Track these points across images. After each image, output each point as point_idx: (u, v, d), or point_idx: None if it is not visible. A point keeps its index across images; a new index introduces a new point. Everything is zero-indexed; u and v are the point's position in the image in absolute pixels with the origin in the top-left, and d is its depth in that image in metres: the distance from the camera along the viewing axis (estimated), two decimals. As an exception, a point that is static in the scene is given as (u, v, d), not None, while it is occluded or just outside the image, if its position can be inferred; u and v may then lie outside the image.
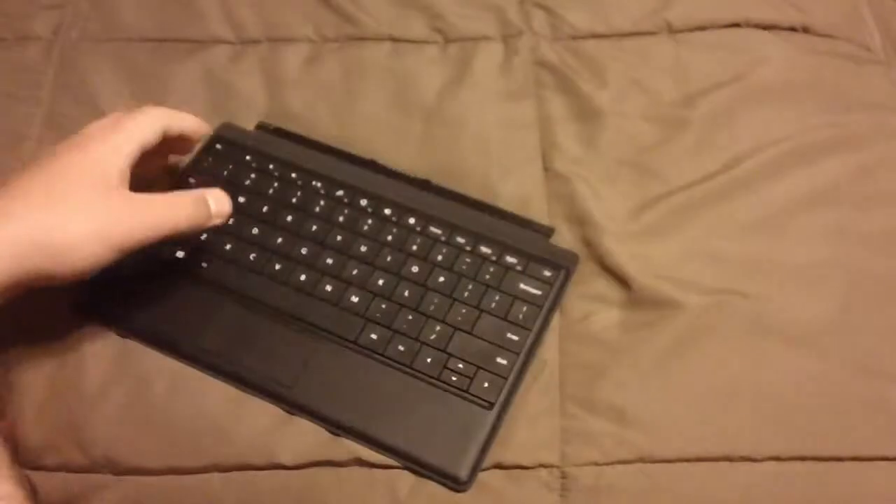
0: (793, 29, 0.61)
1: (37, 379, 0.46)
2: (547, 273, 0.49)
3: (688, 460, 0.44)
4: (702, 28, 0.60)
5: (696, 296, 0.49)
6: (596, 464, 0.44)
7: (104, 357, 0.47)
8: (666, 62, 0.59)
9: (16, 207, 0.39)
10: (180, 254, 0.50)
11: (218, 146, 0.55)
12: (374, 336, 0.47)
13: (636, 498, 0.43)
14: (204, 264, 0.50)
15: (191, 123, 0.48)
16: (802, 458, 0.44)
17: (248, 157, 0.54)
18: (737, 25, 0.61)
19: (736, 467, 0.44)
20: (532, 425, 0.45)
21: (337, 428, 0.45)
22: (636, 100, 0.57)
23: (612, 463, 0.44)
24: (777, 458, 0.44)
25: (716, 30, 0.60)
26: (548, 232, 0.52)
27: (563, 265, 0.50)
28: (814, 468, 0.44)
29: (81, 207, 0.40)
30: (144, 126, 0.44)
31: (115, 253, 0.41)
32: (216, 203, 0.46)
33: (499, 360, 0.46)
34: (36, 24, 0.61)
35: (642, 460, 0.44)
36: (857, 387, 0.46)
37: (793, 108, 0.57)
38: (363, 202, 0.52)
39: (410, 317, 0.48)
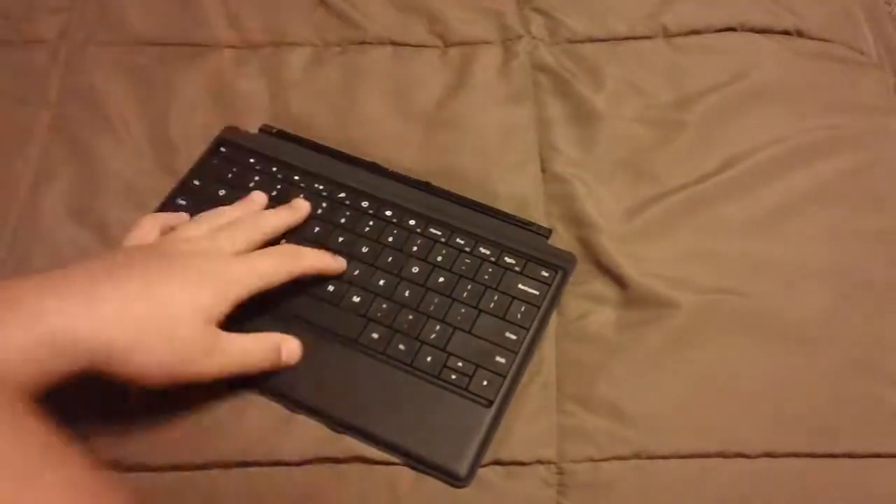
0: (787, 32, 0.61)
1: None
2: (545, 273, 0.50)
3: (683, 456, 0.44)
4: (697, 32, 0.61)
5: (691, 295, 0.49)
6: (592, 460, 0.45)
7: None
8: (662, 65, 0.60)
9: (110, 311, 0.38)
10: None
11: (222, 149, 0.56)
12: (375, 335, 0.48)
13: (632, 493, 0.44)
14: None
15: (326, 265, 0.49)
16: (796, 455, 0.45)
17: (251, 160, 0.55)
18: (732, 29, 0.61)
19: (730, 463, 0.44)
20: (530, 422, 0.46)
21: (338, 425, 0.45)
22: (632, 102, 0.58)
23: (609, 459, 0.45)
24: (771, 455, 0.45)
25: (711, 34, 0.61)
26: (546, 233, 0.52)
27: (561, 266, 0.51)
28: (807, 465, 0.44)
29: (170, 341, 0.40)
30: (270, 275, 0.45)
31: (175, 384, 0.41)
32: (287, 353, 0.46)
33: (497, 358, 0.47)
34: (42, 27, 0.62)
35: (638, 456, 0.44)
36: (850, 385, 0.47)
37: (787, 110, 0.57)
38: (364, 204, 0.53)
39: (411, 316, 0.48)
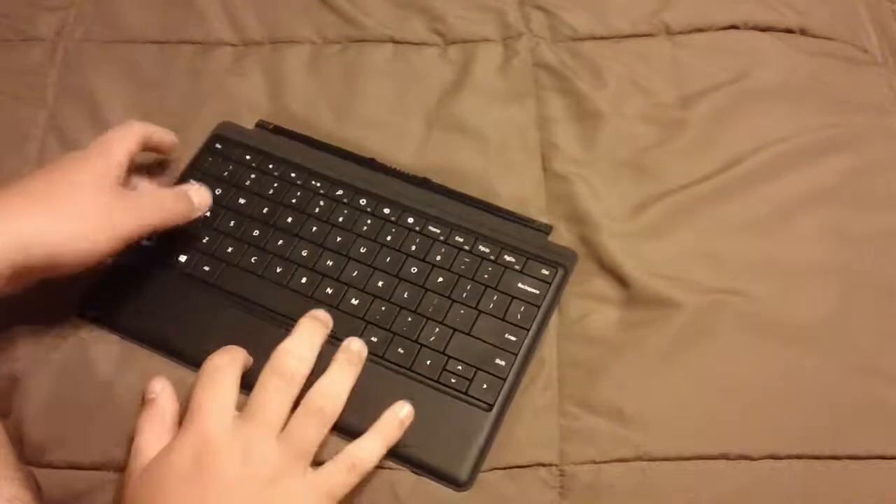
0: (790, 31, 0.61)
1: (42, 378, 0.47)
2: (545, 271, 0.50)
3: (685, 458, 0.44)
4: (700, 30, 0.61)
5: (693, 295, 0.49)
6: (594, 462, 0.44)
7: (109, 359, 0.47)
8: (664, 63, 0.59)
9: (19, 204, 0.43)
10: (182, 258, 0.51)
11: (217, 145, 0.55)
12: (373, 339, 0.47)
13: (634, 495, 0.43)
14: (206, 268, 0.50)
15: (163, 136, 0.52)
16: (799, 457, 0.44)
17: (247, 157, 0.54)
18: (734, 27, 0.61)
19: (733, 465, 0.44)
20: (531, 424, 0.46)
21: (337, 430, 0.44)
22: (634, 101, 0.58)
23: (611, 461, 0.44)
24: (774, 457, 0.44)
25: (714, 32, 0.61)
26: (546, 230, 0.52)
27: (562, 263, 0.50)
28: (810, 467, 0.44)
29: (80, 205, 0.44)
30: (128, 138, 0.48)
31: (108, 245, 0.44)
32: (197, 196, 0.49)
33: (497, 361, 0.47)
34: (39, 25, 0.61)
35: (640, 458, 0.44)
36: (853, 386, 0.47)
37: (790, 109, 0.57)
38: (362, 201, 0.53)
39: (410, 318, 0.48)
